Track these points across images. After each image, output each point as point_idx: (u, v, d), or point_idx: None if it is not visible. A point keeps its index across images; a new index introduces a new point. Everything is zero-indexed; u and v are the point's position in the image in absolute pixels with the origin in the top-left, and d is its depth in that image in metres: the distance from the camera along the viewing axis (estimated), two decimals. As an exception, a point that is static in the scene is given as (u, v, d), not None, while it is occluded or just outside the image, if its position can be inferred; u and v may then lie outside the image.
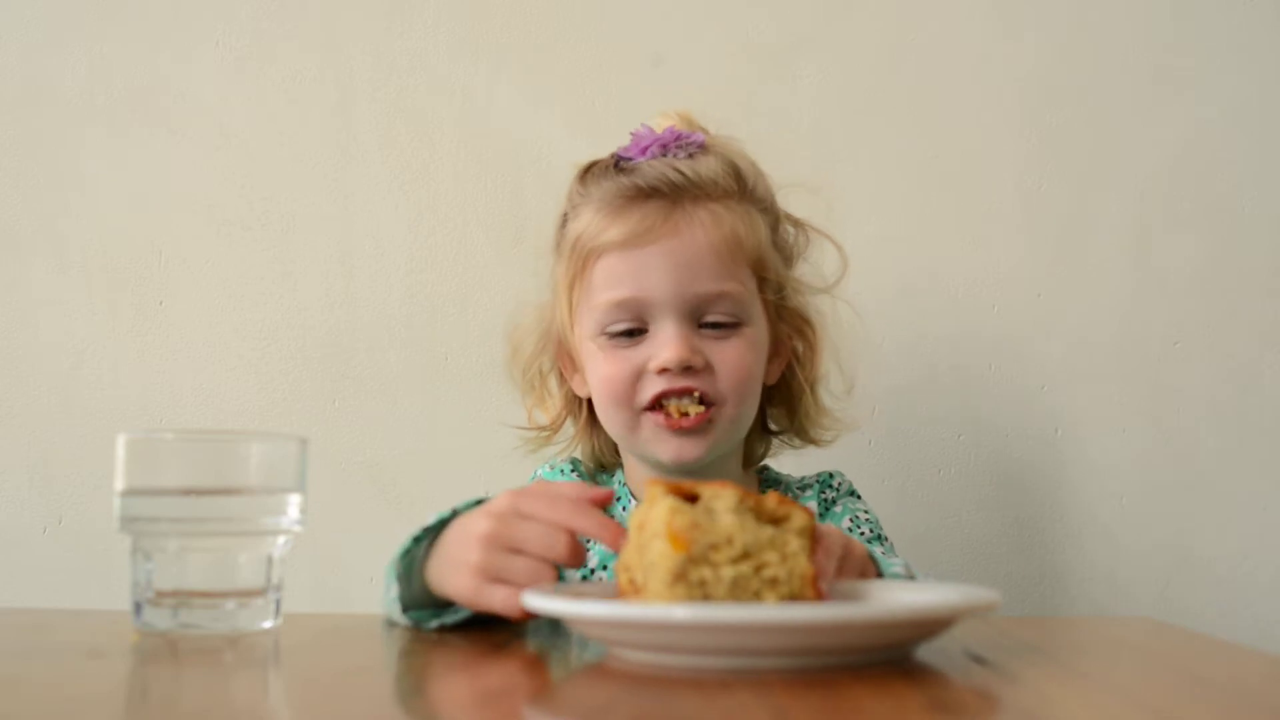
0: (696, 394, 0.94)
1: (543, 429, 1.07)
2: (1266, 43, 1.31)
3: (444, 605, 0.77)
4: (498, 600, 0.71)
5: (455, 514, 0.78)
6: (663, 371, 0.94)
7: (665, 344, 0.94)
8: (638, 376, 0.95)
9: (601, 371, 0.97)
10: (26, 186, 1.31)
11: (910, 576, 0.87)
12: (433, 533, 0.78)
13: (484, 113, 1.31)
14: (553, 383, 1.07)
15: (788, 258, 1.04)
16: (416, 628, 0.77)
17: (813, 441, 1.08)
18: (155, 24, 1.32)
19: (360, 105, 1.31)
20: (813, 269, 1.06)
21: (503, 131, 1.31)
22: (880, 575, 0.80)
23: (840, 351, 1.07)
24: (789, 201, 1.05)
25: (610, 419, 0.99)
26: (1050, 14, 1.32)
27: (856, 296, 1.07)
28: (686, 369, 0.94)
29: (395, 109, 1.31)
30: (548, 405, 1.07)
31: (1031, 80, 1.32)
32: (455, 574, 0.73)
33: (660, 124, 1.01)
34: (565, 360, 1.05)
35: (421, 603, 0.78)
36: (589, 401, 1.03)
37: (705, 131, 1.02)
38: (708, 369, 0.95)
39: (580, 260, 0.97)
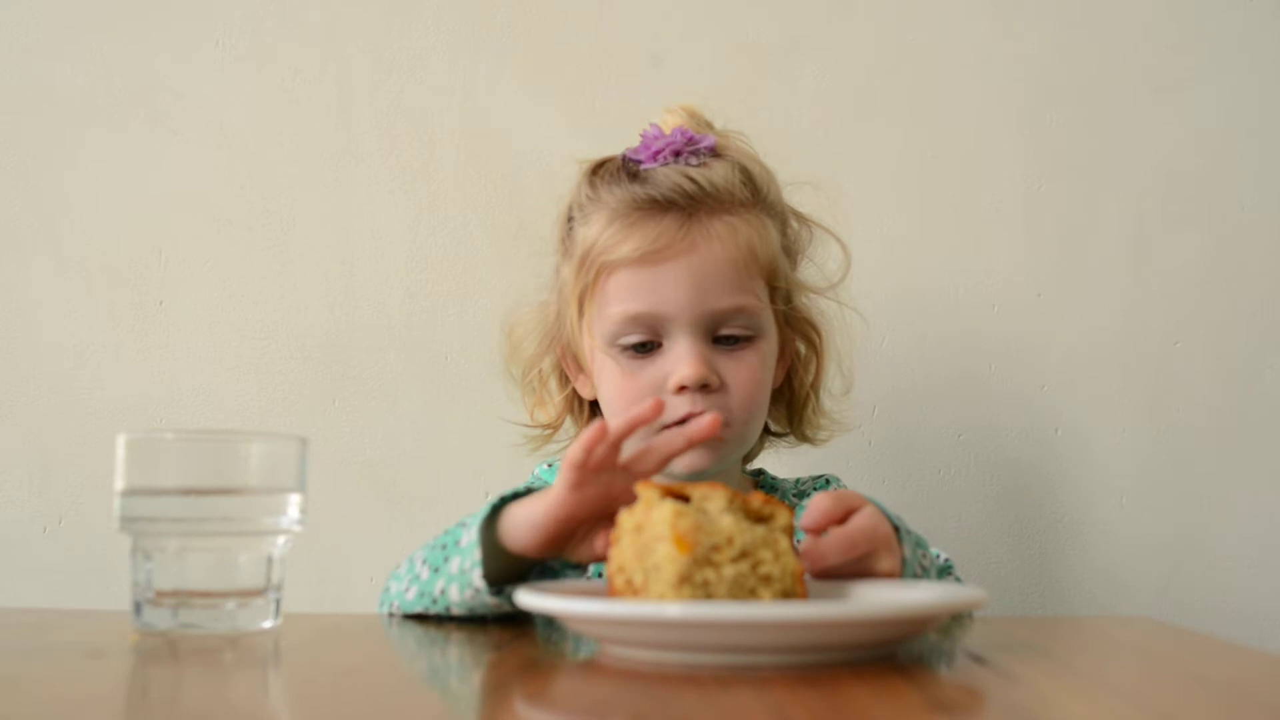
0: None
1: (545, 427, 1.07)
2: (1266, 43, 1.31)
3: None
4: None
5: (504, 500, 0.81)
6: (680, 390, 0.93)
7: (681, 360, 0.93)
8: (655, 395, 0.94)
9: (616, 387, 0.96)
10: (26, 186, 1.31)
11: (921, 544, 0.86)
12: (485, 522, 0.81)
13: (484, 113, 1.31)
14: (553, 384, 1.06)
15: (794, 258, 1.04)
16: (499, 604, 0.79)
17: (808, 441, 1.08)
18: (155, 24, 1.32)
19: (360, 105, 1.31)
20: (815, 267, 1.06)
21: (503, 131, 1.31)
22: (888, 517, 0.81)
23: (841, 353, 1.07)
24: (793, 196, 1.04)
25: None
26: (1050, 14, 1.32)
27: (856, 297, 1.07)
28: (703, 387, 0.93)
29: (395, 109, 1.31)
30: (548, 407, 1.06)
31: (1031, 80, 1.32)
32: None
33: (668, 122, 0.99)
34: (570, 363, 1.04)
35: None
36: (591, 402, 1.03)
37: (712, 128, 1.01)
38: (722, 387, 0.94)
39: (593, 272, 0.96)
